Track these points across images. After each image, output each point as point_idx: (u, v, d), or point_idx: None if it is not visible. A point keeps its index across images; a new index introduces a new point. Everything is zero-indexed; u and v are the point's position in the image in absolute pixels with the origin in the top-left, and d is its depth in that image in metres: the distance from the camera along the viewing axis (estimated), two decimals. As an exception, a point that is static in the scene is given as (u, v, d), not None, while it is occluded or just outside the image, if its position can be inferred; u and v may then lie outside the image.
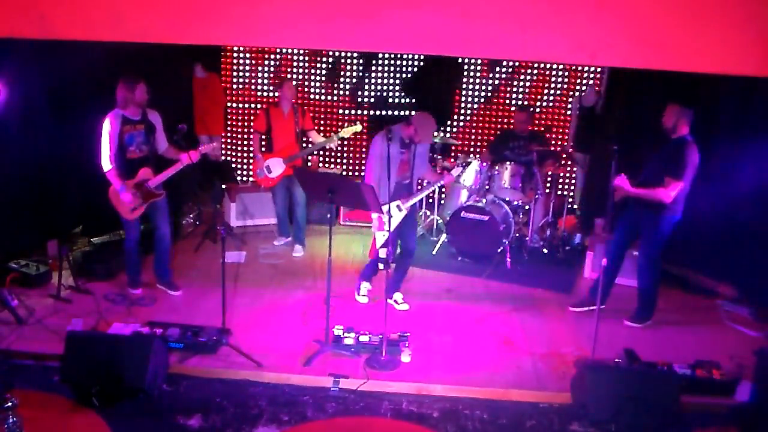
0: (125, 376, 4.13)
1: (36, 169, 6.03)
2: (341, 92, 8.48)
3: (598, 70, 8.02)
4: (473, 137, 8.53)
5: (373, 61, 8.30)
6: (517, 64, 8.19)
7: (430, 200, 7.56)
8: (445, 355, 4.86)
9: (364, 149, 8.49)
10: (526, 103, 8.17)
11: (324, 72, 8.44)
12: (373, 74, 8.36)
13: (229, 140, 8.85)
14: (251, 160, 7.56)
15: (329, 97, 8.53)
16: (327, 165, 8.66)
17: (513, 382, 4.55)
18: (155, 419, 4.11)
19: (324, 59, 8.39)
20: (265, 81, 8.57)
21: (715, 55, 4.10)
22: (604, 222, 6.74)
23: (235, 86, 8.62)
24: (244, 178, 8.75)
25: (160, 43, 4.59)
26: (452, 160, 7.57)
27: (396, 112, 8.42)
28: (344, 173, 8.56)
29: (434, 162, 7.18)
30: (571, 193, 8.35)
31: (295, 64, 8.46)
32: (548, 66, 8.11)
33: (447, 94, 8.36)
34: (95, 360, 4.17)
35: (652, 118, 5.28)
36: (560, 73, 8.18)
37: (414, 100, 8.36)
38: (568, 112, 8.29)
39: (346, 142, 8.42)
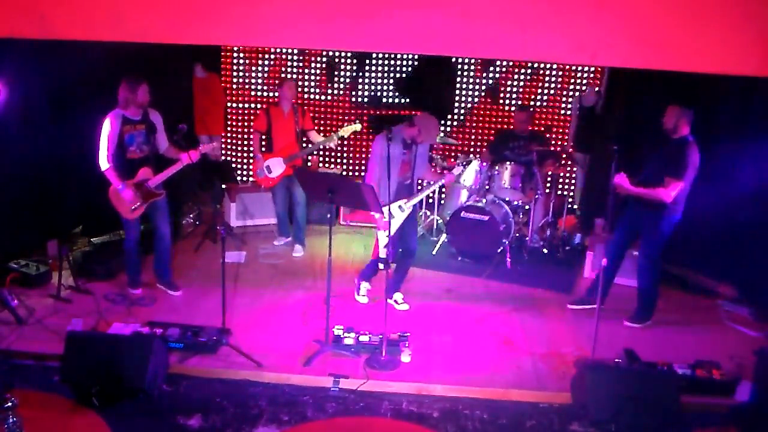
0: (125, 376, 4.13)
1: (36, 169, 6.03)
2: (336, 91, 8.46)
3: (591, 69, 8.01)
4: (472, 136, 8.52)
5: (367, 61, 8.30)
6: (510, 63, 8.18)
7: (430, 200, 7.56)
8: (445, 355, 4.87)
9: (364, 149, 8.49)
10: (520, 102, 8.17)
11: (321, 72, 8.43)
12: (368, 73, 8.37)
13: (229, 140, 8.85)
14: (251, 160, 7.56)
15: (323, 97, 8.51)
16: (327, 165, 8.66)
17: (513, 382, 4.56)
18: (155, 419, 4.11)
19: (319, 59, 8.38)
20: (260, 81, 8.56)
21: (715, 55, 4.10)
22: (604, 222, 6.74)
23: (234, 86, 8.62)
24: (244, 178, 8.75)
25: (160, 43, 4.59)
26: (452, 160, 7.58)
27: (393, 111, 8.41)
28: (344, 173, 8.56)
29: (432, 162, 7.19)
30: (571, 193, 8.35)
31: (289, 63, 8.44)
32: (542, 66, 8.12)
33: (443, 93, 8.34)
34: (95, 360, 4.17)
35: (652, 118, 5.28)
36: (554, 72, 8.17)
37: (409, 100, 8.35)
38: (563, 112, 8.28)
39: (345, 142, 8.42)
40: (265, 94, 8.59)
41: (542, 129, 8.17)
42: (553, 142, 8.26)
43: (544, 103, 8.27)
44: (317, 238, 7.03)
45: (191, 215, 7.60)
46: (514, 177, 6.83)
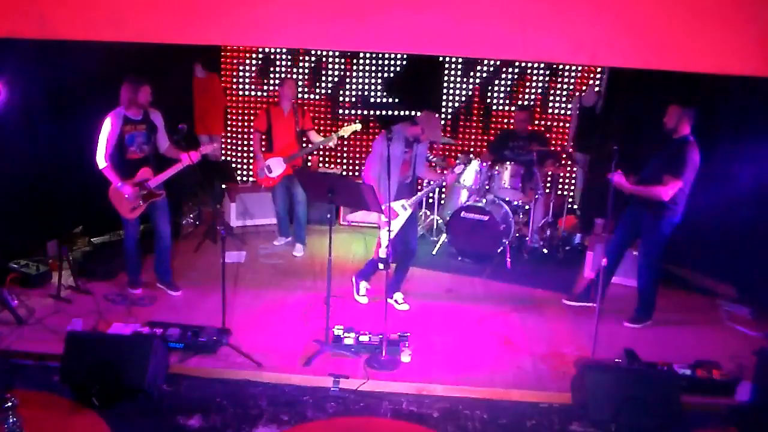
0: (125, 376, 4.13)
1: (36, 169, 6.03)
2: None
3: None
4: (466, 136, 8.53)
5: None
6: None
7: (430, 200, 7.56)
8: (445, 355, 4.86)
9: (364, 149, 8.49)
10: (517, 103, 8.18)
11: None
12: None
13: (229, 140, 8.85)
14: (251, 160, 7.56)
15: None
16: (327, 165, 8.66)
17: (513, 382, 4.55)
18: (155, 419, 4.10)
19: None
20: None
21: (715, 55, 4.10)
22: (604, 222, 6.74)
23: (234, 87, 8.63)
24: (244, 178, 8.75)
25: (160, 43, 4.59)
26: (452, 160, 7.57)
27: (385, 112, 8.42)
28: (344, 173, 8.56)
29: (432, 163, 7.19)
30: (571, 193, 8.35)
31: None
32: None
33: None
34: (95, 360, 4.16)
35: (652, 118, 5.28)
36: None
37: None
38: (557, 111, 8.28)
39: (345, 142, 8.42)
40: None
41: (542, 129, 8.17)
42: (553, 142, 8.26)
43: (532, 102, 8.27)
44: (317, 238, 7.03)
45: (191, 215, 7.60)
46: (514, 177, 6.83)
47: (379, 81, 8.35)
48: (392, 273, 5.42)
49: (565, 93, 8.19)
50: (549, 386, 4.52)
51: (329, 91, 8.45)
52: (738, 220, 5.79)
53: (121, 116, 5.12)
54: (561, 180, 8.26)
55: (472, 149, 8.39)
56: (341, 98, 8.46)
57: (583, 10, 4.12)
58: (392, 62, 8.24)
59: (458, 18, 4.18)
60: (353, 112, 8.47)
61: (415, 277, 6.14)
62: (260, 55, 8.40)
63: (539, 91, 8.24)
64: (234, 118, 8.74)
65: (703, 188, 5.19)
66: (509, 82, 8.25)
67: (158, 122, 5.33)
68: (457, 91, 8.34)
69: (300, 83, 8.38)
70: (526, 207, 7.15)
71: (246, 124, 8.69)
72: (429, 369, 4.66)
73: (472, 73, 8.25)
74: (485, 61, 8.17)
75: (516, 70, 8.20)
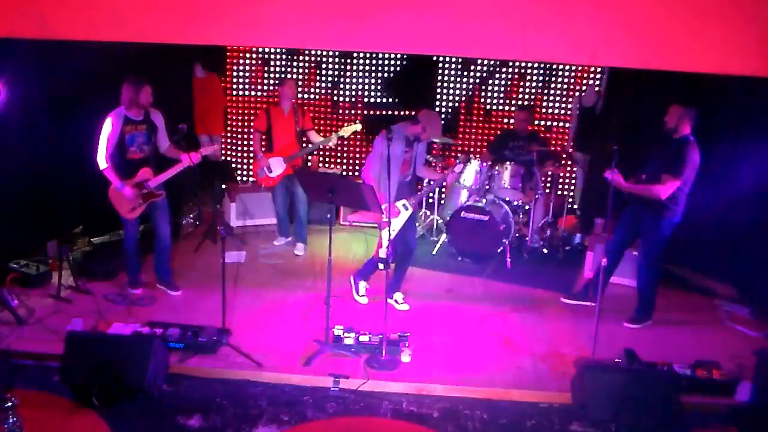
0: (125, 376, 4.13)
1: (36, 169, 6.03)
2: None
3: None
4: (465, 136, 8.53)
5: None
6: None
7: (430, 200, 7.55)
8: (445, 355, 4.86)
9: (364, 149, 8.49)
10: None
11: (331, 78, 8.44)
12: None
13: (229, 140, 8.85)
14: (251, 160, 7.55)
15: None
16: (327, 165, 8.66)
17: (513, 382, 4.55)
18: (155, 419, 4.10)
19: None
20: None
21: (715, 55, 4.10)
22: (604, 222, 6.74)
23: (234, 87, 8.63)
24: (244, 178, 8.74)
25: (160, 43, 4.59)
26: (451, 159, 7.57)
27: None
28: (344, 173, 8.56)
29: (432, 163, 7.19)
30: (571, 193, 8.34)
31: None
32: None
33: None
34: (95, 360, 4.17)
35: (652, 118, 5.28)
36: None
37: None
38: (555, 111, 8.27)
39: (345, 142, 8.42)
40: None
41: (542, 129, 8.17)
42: (553, 142, 8.26)
43: (531, 102, 8.27)
44: (317, 238, 7.02)
45: (191, 215, 7.60)
46: (514, 177, 6.83)
47: (378, 81, 8.33)
48: (392, 273, 5.42)
49: (559, 93, 8.17)
50: (549, 386, 4.52)
51: (327, 91, 8.45)
52: (738, 220, 5.79)
53: (121, 116, 5.12)
54: (561, 180, 8.25)
55: (471, 149, 8.40)
56: (335, 98, 8.44)
57: (583, 10, 4.12)
58: (389, 62, 8.22)
59: (458, 18, 4.18)
60: (353, 112, 8.47)
61: (415, 277, 6.14)
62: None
63: (535, 90, 8.23)
64: (234, 118, 8.75)
65: (703, 188, 5.19)
66: (505, 82, 8.24)
67: (159, 122, 5.33)
68: (452, 91, 8.33)
69: (299, 83, 8.38)
70: (526, 207, 7.15)
71: (246, 124, 8.69)
72: (429, 369, 4.66)
73: (467, 73, 8.25)
74: (480, 61, 8.14)
75: (512, 70, 8.19)
